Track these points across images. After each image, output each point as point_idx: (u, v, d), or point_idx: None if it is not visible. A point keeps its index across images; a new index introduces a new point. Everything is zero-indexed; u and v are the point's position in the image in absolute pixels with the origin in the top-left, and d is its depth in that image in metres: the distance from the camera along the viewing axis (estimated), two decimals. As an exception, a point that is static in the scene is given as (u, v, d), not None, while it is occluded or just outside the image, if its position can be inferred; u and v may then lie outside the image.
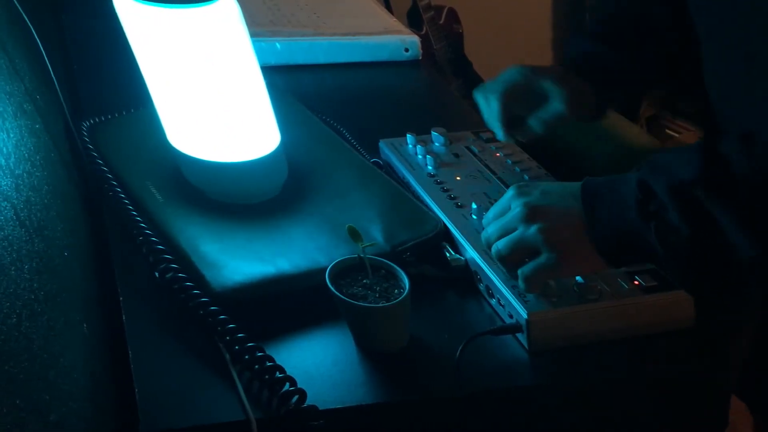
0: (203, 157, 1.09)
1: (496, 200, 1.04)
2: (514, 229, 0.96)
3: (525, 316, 0.93)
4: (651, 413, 0.96)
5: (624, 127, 1.52)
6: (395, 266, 0.95)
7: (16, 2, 1.11)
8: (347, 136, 1.32)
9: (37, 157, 0.92)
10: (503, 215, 0.99)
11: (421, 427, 0.90)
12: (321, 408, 0.84)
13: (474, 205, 1.10)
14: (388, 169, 1.26)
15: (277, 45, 1.61)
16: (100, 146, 1.20)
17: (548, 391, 0.93)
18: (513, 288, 0.97)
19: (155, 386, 0.86)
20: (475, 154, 1.25)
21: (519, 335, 0.95)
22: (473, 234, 1.06)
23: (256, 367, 0.87)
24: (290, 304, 0.98)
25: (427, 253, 1.06)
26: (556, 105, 1.17)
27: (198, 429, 0.83)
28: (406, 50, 1.68)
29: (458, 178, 1.18)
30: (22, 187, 0.81)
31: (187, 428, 0.83)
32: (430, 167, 1.21)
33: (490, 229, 0.99)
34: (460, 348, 0.90)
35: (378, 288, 0.93)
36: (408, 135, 1.27)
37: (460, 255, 1.06)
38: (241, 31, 1.01)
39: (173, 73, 1.05)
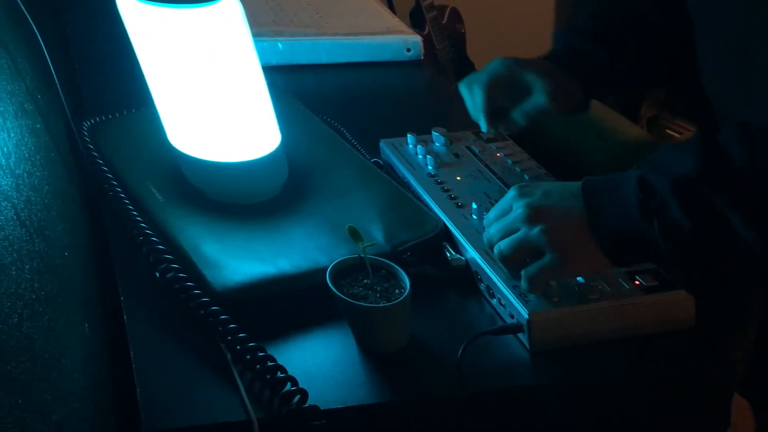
0: (204, 157, 1.09)
1: (496, 200, 1.04)
2: (516, 230, 0.96)
3: (526, 316, 0.93)
4: (651, 413, 0.96)
5: (614, 120, 1.52)
6: (396, 266, 0.95)
7: (18, 1, 1.11)
8: (348, 136, 1.32)
9: (38, 157, 0.92)
10: (505, 216, 0.99)
11: (422, 427, 0.90)
12: (322, 408, 0.84)
13: (474, 205, 1.10)
14: (389, 169, 1.26)
15: (279, 45, 1.61)
16: (100, 146, 1.20)
17: (549, 391, 0.93)
18: (514, 288, 0.97)
19: (156, 386, 0.86)
20: (475, 154, 1.25)
21: (520, 335, 0.95)
22: (474, 234, 1.06)
23: (258, 367, 0.87)
24: (291, 304, 0.98)
25: (428, 253, 1.06)
26: (538, 98, 1.17)
27: (199, 429, 0.83)
28: (408, 50, 1.68)
29: (458, 178, 1.18)
30: (22, 186, 0.81)
31: (189, 428, 0.83)
32: (430, 167, 1.21)
33: (492, 230, 0.99)
34: (461, 348, 0.90)
35: (379, 288, 0.93)
36: (408, 135, 1.27)
37: (461, 255, 1.06)
38: (244, 31, 1.01)
39: (175, 73, 1.05)
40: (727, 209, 0.87)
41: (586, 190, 0.95)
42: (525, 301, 0.95)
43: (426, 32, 2.92)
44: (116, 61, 1.25)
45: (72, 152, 1.18)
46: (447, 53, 2.98)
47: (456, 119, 1.29)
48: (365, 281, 0.94)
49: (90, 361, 0.83)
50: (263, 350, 0.88)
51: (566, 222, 0.94)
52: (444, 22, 3.01)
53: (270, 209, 1.11)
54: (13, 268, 0.68)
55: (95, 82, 1.44)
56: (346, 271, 0.95)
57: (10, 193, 0.75)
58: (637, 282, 0.99)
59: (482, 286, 1.02)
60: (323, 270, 0.94)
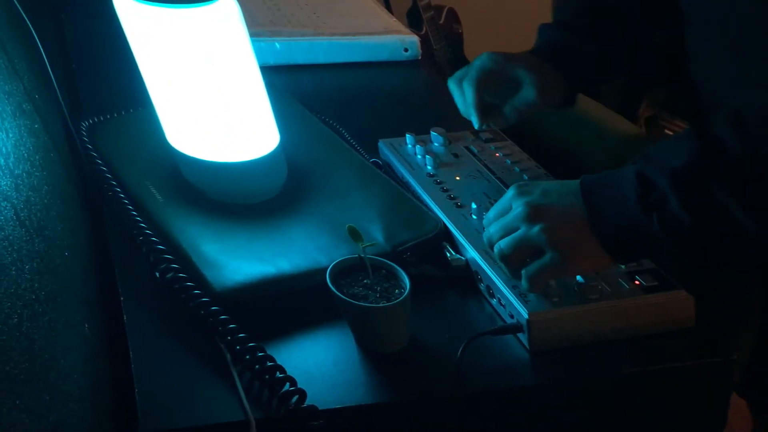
0: (203, 157, 1.09)
1: (495, 200, 1.04)
2: (516, 229, 0.96)
3: (526, 316, 0.93)
4: (651, 413, 0.96)
5: (613, 120, 1.52)
6: (396, 266, 0.95)
7: (15, 2, 1.11)
8: (346, 136, 1.32)
9: (37, 157, 0.92)
10: (504, 215, 0.99)
11: (422, 427, 0.90)
12: (321, 408, 0.84)
13: (474, 205, 1.10)
14: (388, 169, 1.25)
15: (277, 45, 1.61)
16: (99, 146, 1.20)
17: (549, 391, 0.93)
18: (514, 288, 0.96)
19: (155, 386, 0.86)
20: (474, 154, 1.25)
21: (520, 335, 0.95)
22: (473, 234, 1.06)
23: (257, 367, 0.87)
24: (291, 304, 0.98)
25: (428, 253, 1.06)
26: (528, 92, 1.18)
27: (198, 429, 0.83)
28: (406, 50, 1.68)
29: (458, 178, 1.18)
30: (21, 187, 0.80)
31: (187, 428, 0.83)
32: (429, 167, 1.20)
33: (492, 229, 0.99)
34: (461, 348, 0.90)
35: (378, 288, 0.93)
36: (407, 135, 1.27)
37: (461, 255, 1.06)
38: (241, 31, 1.01)
39: (173, 73, 1.05)
40: (725, 197, 0.87)
41: (584, 189, 0.95)
42: (525, 301, 0.95)
43: (423, 32, 2.92)
44: (114, 61, 1.24)
45: (71, 152, 1.18)
46: (444, 53, 2.98)
47: (454, 119, 1.29)
48: (365, 281, 0.94)
49: (89, 362, 0.83)
50: (262, 350, 0.88)
51: (566, 220, 0.94)
52: (441, 22, 3.01)
53: (270, 209, 1.10)
54: (13, 268, 0.68)
55: (93, 82, 1.44)
56: (346, 271, 0.95)
57: (9, 193, 0.75)
58: (637, 282, 0.99)
59: (482, 286, 1.02)
60: (323, 270, 0.94)
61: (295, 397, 0.84)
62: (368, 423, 0.88)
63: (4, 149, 0.79)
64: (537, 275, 0.94)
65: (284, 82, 1.51)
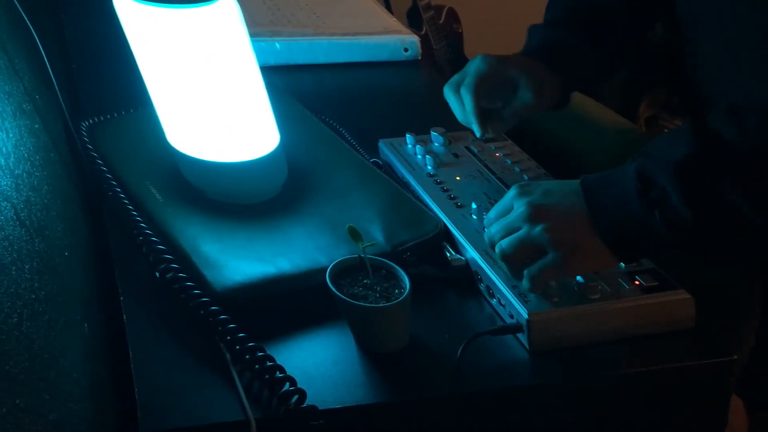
0: (203, 157, 1.09)
1: (496, 200, 1.04)
2: (517, 229, 0.96)
3: (526, 316, 0.93)
4: (651, 413, 0.96)
5: (613, 120, 1.52)
6: (396, 266, 0.95)
7: (15, 2, 1.11)
8: (347, 136, 1.32)
9: (37, 157, 0.92)
10: (505, 215, 0.99)
11: (421, 427, 0.90)
12: (321, 408, 0.84)
13: (474, 205, 1.10)
14: (388, 169, 1.25)
15: (277, 45, 1.61)
16: (99, 146, 1.20)
17: (548, 391, 0.93)
18: (514, 288, 0.96)
19: (155, 386, 0.86)
20: (474, 154, 1.25)
21: (519, 335, 0.95)
22: (473, 234, 1.06)
23: (257, 367, 0.87)
24: (290, 304, 0.98)
25: (428, 253, 1.06)
26: (525, 94, 1.17)
27: (198, 429, 0.83)
28: (406, 50, 1.68)
29: (458, 178, 1.18)
30: (21, 187, 0.80)
31: (187, 428, 0.83)
32: (429, 167, 1.20)
33: (494, 229, 0.99)
34: (460, 348, 0.90)
35: (378, 288, 0.93)
36: (407, 135, 1.27)
37: (461, 255, 1.06)
38: (241, 31, 1.01)
39: (172, 73, 1.05)
40: (725, 189, 0.87)
41: (585, 188, 0.95)
42: (525, 301, 0.95)
43: (423, 32, 2.92)
44: (114, 61, 1.25)
45: (71, 152, 1.18)
46: (444, 53, 2.99)
47: (454, 119, 1.28)
48: (365, 281, 0.94)
49: (89, 361, 0.83)
50: (262, 350, 0.88)
51: (568, 220, 0.94)
52: (441, 21, 3.01)
53: (270, 209, 1.10)
54: (13, 268, 0.68)
55: (93, 82, 1.44)
56: (346, 271, 0.95)
57: (9, 193, 0.75)
58: (637, 282, 0.99)
59: (482, 286, 1.02)
60: (323, 270, 0.94)
61: (295, 397, 0.84)
62: (368, 423, 0.88)
63: (4, 149, 0.79)
64: (539, 275, 0.94)
65: (284, 82, 1.51)
